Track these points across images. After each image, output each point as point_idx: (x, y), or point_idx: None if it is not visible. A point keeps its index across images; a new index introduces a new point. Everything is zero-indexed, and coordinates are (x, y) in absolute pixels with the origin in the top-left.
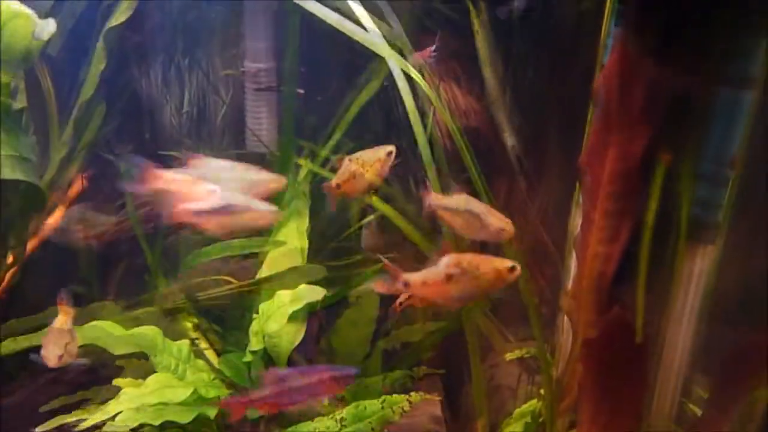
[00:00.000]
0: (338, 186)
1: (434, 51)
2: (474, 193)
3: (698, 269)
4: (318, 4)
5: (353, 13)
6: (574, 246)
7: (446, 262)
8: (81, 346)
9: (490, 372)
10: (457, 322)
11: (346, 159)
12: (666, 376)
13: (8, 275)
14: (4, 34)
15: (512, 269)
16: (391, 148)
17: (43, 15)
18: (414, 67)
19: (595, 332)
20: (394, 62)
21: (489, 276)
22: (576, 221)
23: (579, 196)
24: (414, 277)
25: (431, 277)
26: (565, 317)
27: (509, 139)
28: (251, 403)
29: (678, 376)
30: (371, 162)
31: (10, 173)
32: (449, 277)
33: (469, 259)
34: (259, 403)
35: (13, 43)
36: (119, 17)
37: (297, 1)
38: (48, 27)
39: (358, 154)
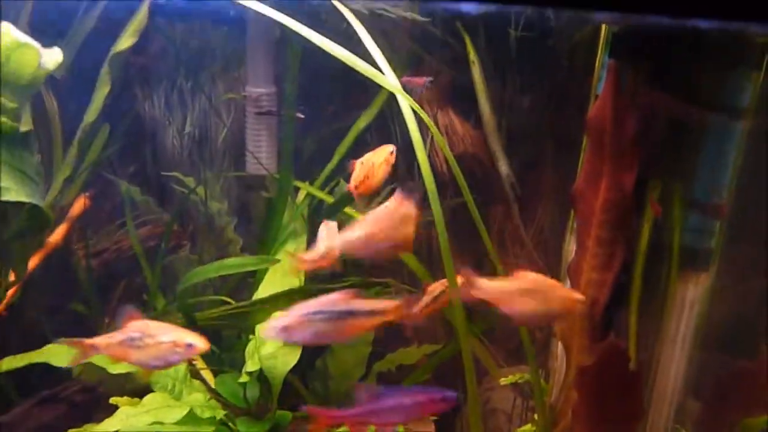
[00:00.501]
0: (356, 188)
1: (430, 81)
2: None
3: (691, 296)
4: (324, 39)
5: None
6: (568, 272)
7: (524, 277)
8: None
9: (486, 395)
10: (453, 346)
11: (358, 162)
12: (659, 401)
13: (10, 292)
14: (11, 63)
15: (580, 301)
16: (392, 147)
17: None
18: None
19: (590, 359)
20: (401, 97)
21: (557, 302)
22: (570, 247)
23: (573, 223)
24: (491, 283)
25: (507, 288)
26: (559, 343)
27: (503, 168)
28: (342, 418)
29: (671, 401)
30: (379, 163)
31: (15, 195)
32: (524, 292)
33: (543, 279)
34: (351, 421)
35: (19, 71)
36: (124, 43)
37: (301, 30)
38: (54, 56)
39: (366, 156)
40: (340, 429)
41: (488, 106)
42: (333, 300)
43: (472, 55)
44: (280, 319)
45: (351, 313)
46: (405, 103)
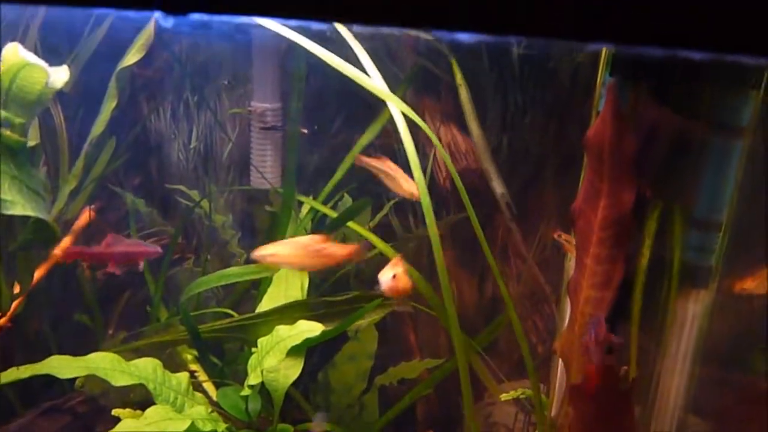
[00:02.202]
0: None
1: None
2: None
3: (692, 312)
4: (324, 50)
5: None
6: (567, 289)
7: None
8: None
9: (488, 410)
10: (455, 360)
11: None
12: (660, 417)
13: (14, 304)
14: (18, 81)
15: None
16: None
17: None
18: None
19: (580, 377)
20: (394, 105)
21: None
22: (571, 263)
23: (574, 238)
24: None
25: None
26: (560, 359)
27: (498, 188)
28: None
29: (672, 417)
30: None
31: (22, 209)
32: None
33: None
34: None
35: (27, 89)
36: (131, 58)
37: (303, 44)
38: (61, 75)
39: None
40: None
41: (478, 128)
42: None
43: (459, 78)
44: None
45: None
46: (400, 118)
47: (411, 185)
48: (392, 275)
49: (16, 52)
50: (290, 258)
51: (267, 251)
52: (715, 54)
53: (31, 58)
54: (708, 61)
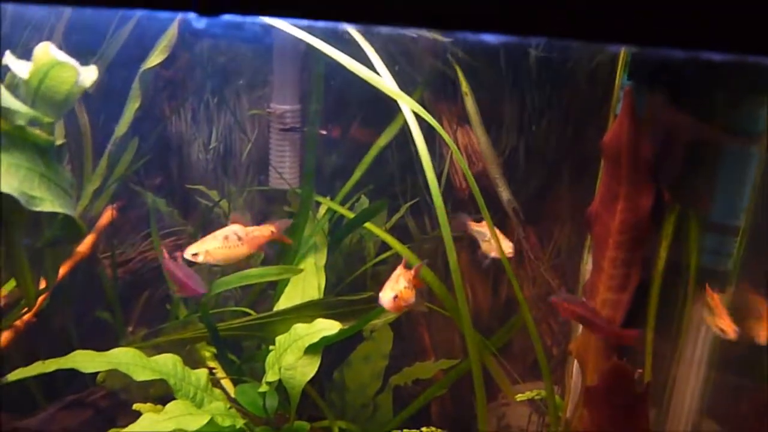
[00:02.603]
0: None
1: None
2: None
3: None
4: (339, 52)
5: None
6: (584, 292)
7: None
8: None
9: (502, 411)
10: (468, 361)
11: None
12: (675, 421)
13: (40, 299)
14: (48, 80)
15: None
16: None
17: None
18: None
19: (595, 380)
20: (407, 106)
21: None
22: (588, 266)
23: (591, 242)
24: None
25: None
26: (575, 360)
27: (504, 194)
28: None
29: (687, 421)
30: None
31: (50, 206)
32: None
33: None
34: None
35: (56, 88)
36: (154, 59)
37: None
38: (90, 74)
39: None
40: None
41: (484, 136)
42: None
43: (465, 87)
44: None
45: None
46: (413, 120)
47: (507, 245)
48: (393, 296)
49: (46, 51)
50: (221, 252)
51: (195, 250)
52: (736, 55)
53: (62, 56)
54: (726, 64)
